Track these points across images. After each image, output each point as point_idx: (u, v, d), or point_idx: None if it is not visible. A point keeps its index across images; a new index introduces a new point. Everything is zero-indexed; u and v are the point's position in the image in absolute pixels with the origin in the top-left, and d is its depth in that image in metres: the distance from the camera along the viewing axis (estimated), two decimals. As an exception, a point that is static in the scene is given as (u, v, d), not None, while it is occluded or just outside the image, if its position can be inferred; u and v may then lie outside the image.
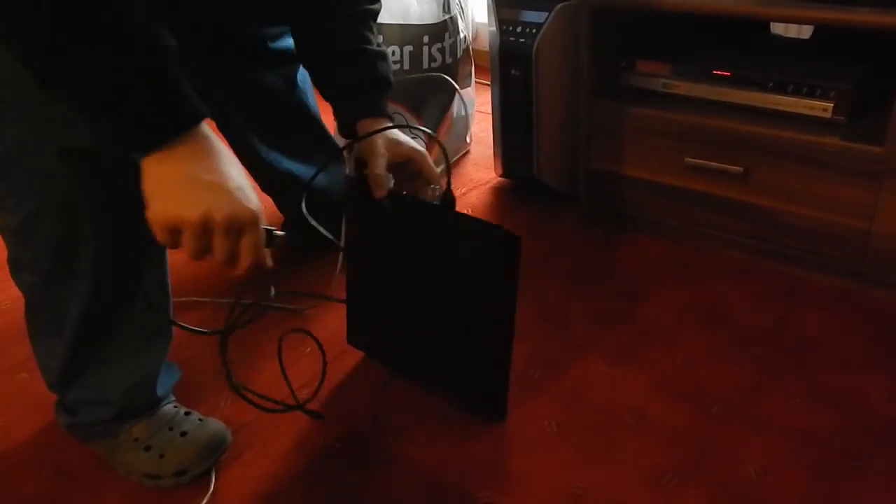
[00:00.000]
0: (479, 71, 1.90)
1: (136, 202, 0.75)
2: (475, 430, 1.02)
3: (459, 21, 1.67)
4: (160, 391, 0.99)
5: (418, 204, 1.03)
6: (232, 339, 1.22)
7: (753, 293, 1.27)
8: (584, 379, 1.10)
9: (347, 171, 1.11)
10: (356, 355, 1.18)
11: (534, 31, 1.48)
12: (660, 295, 1.28)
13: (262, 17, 1.23)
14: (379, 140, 1.00)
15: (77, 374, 0.93)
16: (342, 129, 1.06)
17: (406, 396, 1.09)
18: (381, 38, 1.53)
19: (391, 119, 1.04)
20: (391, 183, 1.02)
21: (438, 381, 1.08)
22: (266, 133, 1.32)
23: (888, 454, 0.94)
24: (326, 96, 1.09)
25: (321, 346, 1.06)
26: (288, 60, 1.30)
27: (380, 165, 0.99)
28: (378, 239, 1.07)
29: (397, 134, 1.02)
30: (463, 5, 1.70)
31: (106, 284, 0.87)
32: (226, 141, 1.30)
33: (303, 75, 1.34)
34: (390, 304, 1.10)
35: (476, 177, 1.75)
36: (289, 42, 1.29)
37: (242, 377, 1.14)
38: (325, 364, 1.06)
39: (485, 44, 1.63)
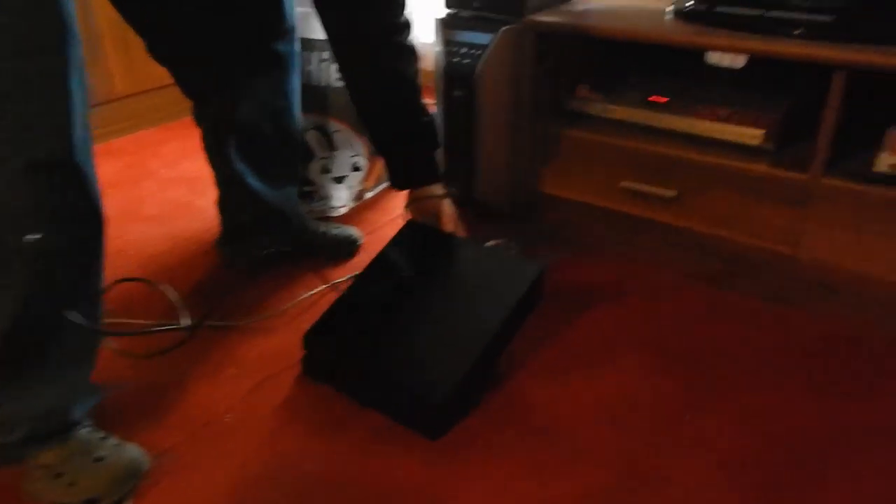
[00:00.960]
0: (424, 91, 1.90)
1: (81, 219, 0.75)
2: (405, 452, 1.00)
3: (403, 40, 1.67)
4: (77, 415, 0.95)
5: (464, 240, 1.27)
6: (156, 360, 1.19)
7: (684, 314, 1.28)
8: (520, 398, 1.09)
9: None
10: (288, 376, 1.15)
11: (478, 52, 1.48)
12: (594, 314, 1.28)
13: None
14: (444, 201, 1.25)
15: None
16: (395, 184, 1.27)
17: (334, 419, 1.06)
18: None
19: (441, 179, 1.26)
20: None
21: (393, 392, 1.06)
22: (245, 149, 1.31)
23: (814, 470, 0.95)
24: (379, 149, 1.25)
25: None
26: (282, 66, 1.29)
27: (449, 225, 1.24)
28: (402, 266, 1.23)
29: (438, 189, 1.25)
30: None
31: (33, 301, 0.84)
32: (204, 140, 1.31)
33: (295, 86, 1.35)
34: (376, 322, 1.14)
35: (418, 196, 1.74)
36: (288, 48, 1.28)
37: (171, 397, 1.11)
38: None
39: (430, 64, 1.63)
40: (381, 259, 1.26)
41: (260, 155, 1.32)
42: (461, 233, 1.26)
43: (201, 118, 1.29)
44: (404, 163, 1.24)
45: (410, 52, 1.17)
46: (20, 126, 0.78)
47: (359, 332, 1.12)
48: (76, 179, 0.83)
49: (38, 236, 0.81)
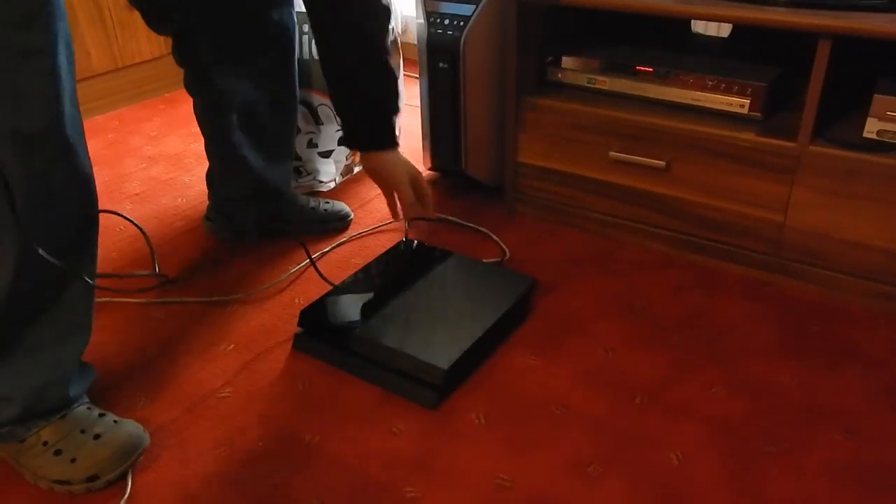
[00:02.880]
0: (408, 64, 1.89)
1: (69, 197, 0.74)
2: (400, 424, 1.01)
3: (387, 12, 1.65)
4: (72, 392, 0.94)
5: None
6: (149, 335, 1.19)
7: (672, 284, 1.30)
8: (510, 370, 1.10)
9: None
10: (283, 350, 1.15)
11: (461, 23, 1.47)
12: (582, 286, 1.29)
13: None
14: (400, 168, 1.16)
15: None
16: (348, 145, 1.23)
17: (329, 393, 1.07)
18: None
19: (398, 145, 1.19)
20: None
21: (392, 358, 1.07)
22: (244, 123, 1.29)
23: (799, 438, 0.98)
24: (337, 110, 1.18)
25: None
26: (284, 41, 1.27)
27: (409, 194, 1.16)
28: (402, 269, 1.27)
29: (399, 156, 1.18)
30: (390, -3, 1.68)
31: (25, 276, 0.83)
32: (199, 111, 1.30)
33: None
34: (374, 307, 1.16)
35: (405, 170, 1.73)
36: (289, 19, 1.27)
37: (168, 373, 1.10)
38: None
39: (413, 36, 1.62)
40: (374, 264, 1.29)
41: (258, 129, 1.31)
42: (430, 203, 1.22)
43: (197, 89, 1.27)
44: (357, 121, 1.17)
45: (378, 10, 1.11)
46: (6, 101, 0.76)
47: (358, 311, 1.14)
48: (66, 153, 0.82)
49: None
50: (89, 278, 0.91)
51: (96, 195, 0.90)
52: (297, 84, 1.34)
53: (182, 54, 1.23)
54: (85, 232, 0.90)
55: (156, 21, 1.19)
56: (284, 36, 1.27)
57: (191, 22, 1.18)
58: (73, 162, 0.84)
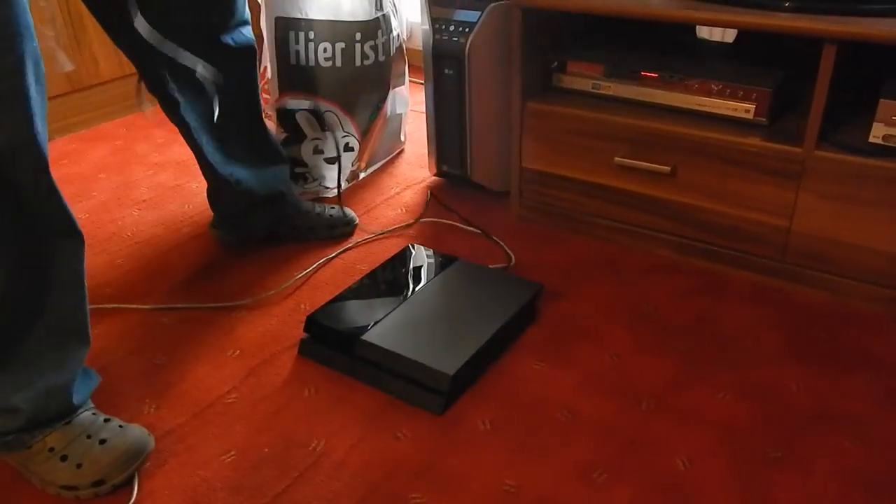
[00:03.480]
0: (413, 70, 1.90)
1: (47, 201, 0.73)
2: (405, 430, 1.01)
3: (392, 19, 1.66)
4: (76, 399, 0.95)
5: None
6: (155, 341, 1.19)
7: (679, 289, 1.30)
8: (516, 376, 1.10)
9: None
10: (289, 356, 1.15)
11: (466, 30, 1.48)
12: (589, 292, 1.29)
13: (207, 5, 1.18)
14: None
15: None
16: None
17: (335, 399, 1.07)
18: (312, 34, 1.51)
19: None
20: None
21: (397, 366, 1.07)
22: (213, 131, 1.28)
23: (807, 443, 0.97)
24: None
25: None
26: (245, 56, 1.26)
27: None
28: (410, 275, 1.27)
29: None
30: (396, 3, 1.69)
31: (16, 285, 0.83)
32: (182, 133, 1.27)
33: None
34: (381, 312, 1.16)
35: (410, 176, 1.74)
36: (246, 36, 1.25)
37: (174, 379, 1.11)
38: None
39: (418, 42, 1.63)
40: (380, 270, 1.29)
41: (235, 142, 1.30)
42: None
43: (170, 116, 1.26)
44: None
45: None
46: None
47: (364, 317, 1.14)
48: (41, 170, 0.83)
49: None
50: (79, 286, 0.92)
51: (69, 209, 0.89)
52: (258, 90, 1.33)
53: (145, 82, 1.22)
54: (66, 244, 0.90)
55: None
56: (244, 56, 1.26)
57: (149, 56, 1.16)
58: (48, 177, 0.84)
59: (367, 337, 1.09)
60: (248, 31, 1.26)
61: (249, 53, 1.27)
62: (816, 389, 1.06)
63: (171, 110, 1.23)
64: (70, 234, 0.89)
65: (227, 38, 1.22)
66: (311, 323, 1.15)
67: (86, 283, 0.93)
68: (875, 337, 1.17)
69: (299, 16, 1.50)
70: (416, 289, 1.22)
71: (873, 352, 1.14)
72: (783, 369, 1.11)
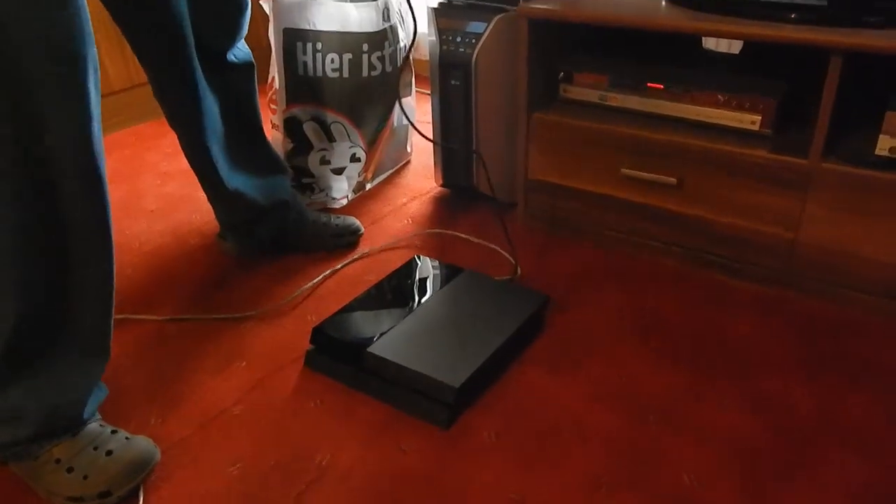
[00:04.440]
0: (420, 80, 1.90)
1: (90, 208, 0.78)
2: (412, 443, 1.01)
3: (399, 30, 1.67)
4: (87, 412, 0.95)
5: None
6: (162, 352, 1.20)
7: (686, 300, 1.29)
8: (523, 388, 1.10)
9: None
10: (295, 367, 1.16)
11: (473, 41, 1.48)
12: (596, 303, 1.29)
13: (216, 26, 1.20)
14: None
15: None
16: None
17: (341, 411, 1.07)
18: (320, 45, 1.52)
19: None
20: None
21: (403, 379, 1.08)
22: (222, 145, 1.29)
23: (816, 455, 0.97)
24: None
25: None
26: (246, 70, 1.28)
27: None
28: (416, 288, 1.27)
29: None
30: (403, 14, 1.70)
31: (43, 294, 0.85)
32: (185, 149, 1.28)
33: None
34: (387, 323, 1.16)
35: (417, 186, 1.74)
36: (245, 51, 1.28)
37: (180, 390, 1.11)
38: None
39: (425, 53, 1.63)
40: (386, 281, 1.29)
41: (238, 155, 1.31)
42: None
43: (171, 122, 1.26)
44: None
45: None
46: (37, 125, 0.79)
47: (370, 329, 1.14)
48: (95, 177, 0.85)
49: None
50: (106, 299, 0.92)
51: (109, 220, 0.91)
52: (258, 102, 1.34)
53: (153, 90, 1.23)
54: (100, 251, 0.91)
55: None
56: (245, 70, 1.28)
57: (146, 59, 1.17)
58: (101, 184, 0.87)
59: (372, 349, 1.09)
60: (245, 46, 1.28)
61: (249, 68, 1.29)
62: (824, 403, 1.06)
63: (186, 123, 1.24)
64: (103, 244, 0.90)
65: (231, 56, 1.24)
66: (317, 334, 1.15)
67: (114, 296, 0.93)
68: (883, 350, 1.16)
69: (307, 27, 1.51)
70: (422, 300, 1.22)
71: (882, 364, 1.13)
72: (791, 382, 1.10)
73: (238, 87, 1.28)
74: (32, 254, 0.84)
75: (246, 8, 1.21)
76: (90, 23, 0.81)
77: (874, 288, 1.20)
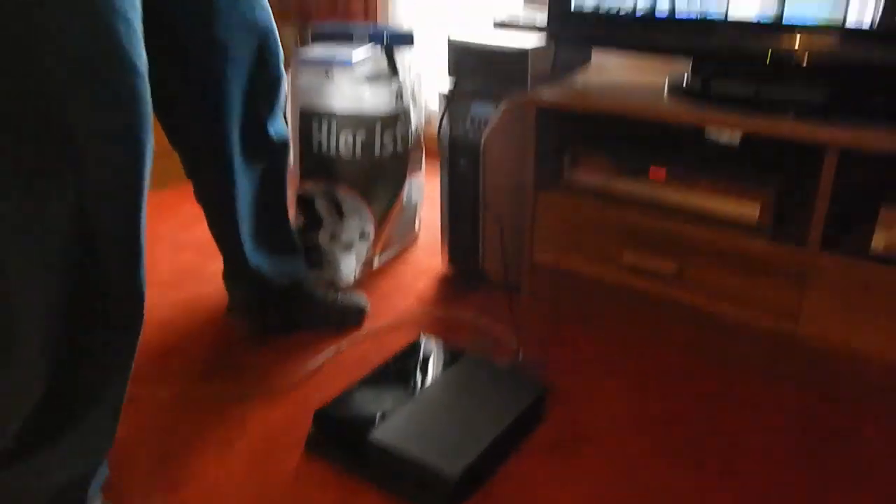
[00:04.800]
0: (430, 155, 1.95)
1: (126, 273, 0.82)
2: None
3: (412, 111, 1.72)
4: (91, 490, 0.96)
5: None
6: (162, 429, 1.20)
7: (687, 390, 1.29)
8: (524, 480, 1.10)
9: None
10: (296, 450, 1.16)
11: (482, 124, 1.53)
12: (597, 391, 1.29)
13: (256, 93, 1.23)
14: None
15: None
16: None
17: (340, 500, 1.07)
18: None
19: None
20: None
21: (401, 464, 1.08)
22: (250, 225, 1.33)
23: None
24: None
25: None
26: (281, 149, 1.32)
27: None
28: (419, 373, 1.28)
29: None
30: (416, 96, 1.75)
31: (67, 380, 0.86)
32: (212, 227, 1.33)
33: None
34: (387, 408, 1.17)
35: (424, 264, 1.77)
36: (282, 130, 1.31)
37: (182, 468, 1.12)
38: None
39: (434, 124, 1.68)
40: (391, 364, 1.31)
41: (260, 232, 1.35)
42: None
43: (200, 198, 1.33)
44: None
45: None
46: (91, 195, 0.81)
47: (371, 413, 1.15)
48: (137, 256, 0.87)
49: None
50: (126, 373, 0.94)
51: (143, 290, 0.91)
52: (286, 181, 1.38)
53: (183, 165, 1.28)
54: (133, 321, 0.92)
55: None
56: (280, 149, 1.32)
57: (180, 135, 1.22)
58: (139, 264, 0.89)
59: (373, 436, 1.10)
60: (283, 122, 1.32)
61: (284, 148, 1.33)
62: (827, 502, 1.05)
63: (216, 204, 1.28)
64: (135, 317, 0.91)
65: (271, 130, 1.28)
66: (319, 418, 1.17)
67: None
68: (876, 455, 1.15)
69: (323, 107, 1.57)
70: (424, 384, 1.23)
71: (872, 470, 1.12)
72: (794, 482, 1.09)
73: (273, 166, 1.32)
74: (69, 331, 0.85)
75: (282, 77, 1.25)
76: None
77: (871, 381, 1.20)
